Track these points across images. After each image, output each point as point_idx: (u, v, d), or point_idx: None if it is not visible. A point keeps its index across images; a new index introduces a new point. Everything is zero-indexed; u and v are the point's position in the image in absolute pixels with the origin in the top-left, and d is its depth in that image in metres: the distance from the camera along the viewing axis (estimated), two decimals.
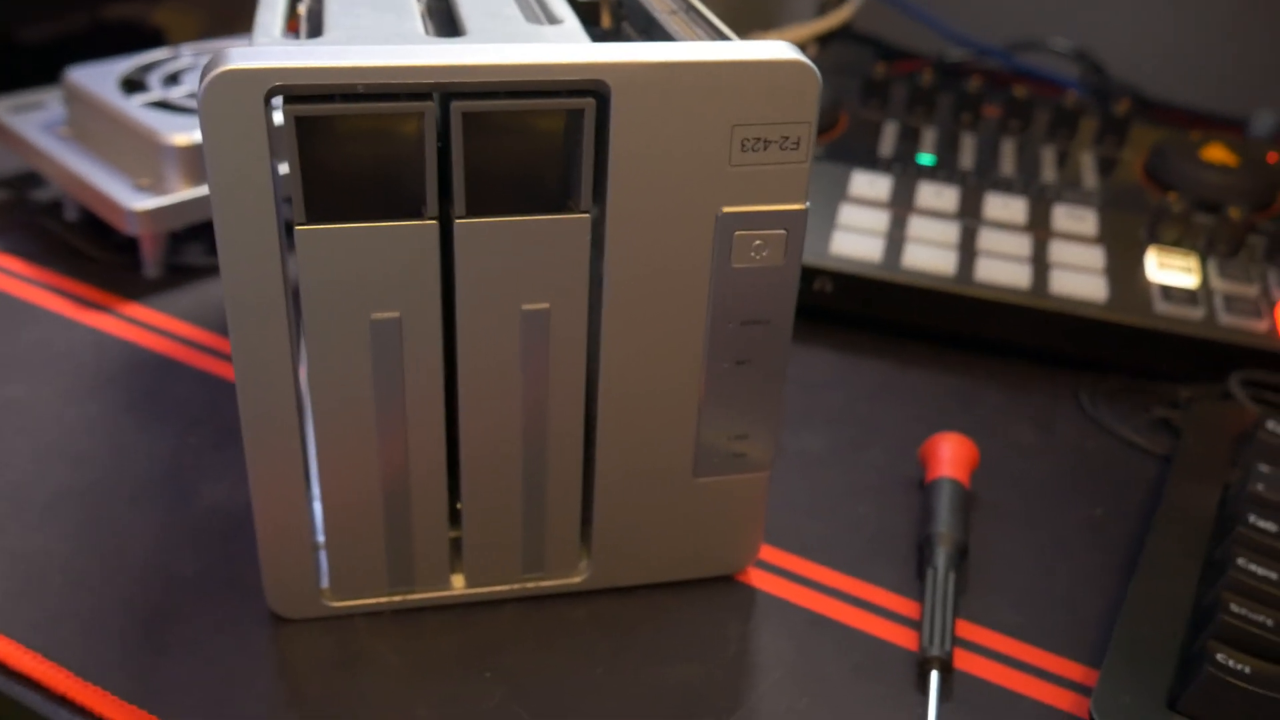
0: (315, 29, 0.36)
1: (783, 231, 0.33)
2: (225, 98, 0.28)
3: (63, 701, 0.34)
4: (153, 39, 0.97)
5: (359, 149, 0.31)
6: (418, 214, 0.31)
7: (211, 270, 0.55)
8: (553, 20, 0.36)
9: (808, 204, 0.33)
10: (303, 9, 0.39)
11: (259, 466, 0.33)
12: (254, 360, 0.32)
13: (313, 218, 0.30)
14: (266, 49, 0.29)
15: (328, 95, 0.29)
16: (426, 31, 0.34)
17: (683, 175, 0.32)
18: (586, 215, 0.32)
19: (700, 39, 0.34)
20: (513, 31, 0.34)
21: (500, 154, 0.31)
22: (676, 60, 0.30)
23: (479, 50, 0.30)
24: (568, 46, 0.30)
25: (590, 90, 0.31)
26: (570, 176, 0.32)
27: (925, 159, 0.60)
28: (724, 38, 0.34)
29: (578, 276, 0.33)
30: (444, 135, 0.31)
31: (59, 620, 0.36)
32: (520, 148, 0.32)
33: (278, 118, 0.31)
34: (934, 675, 0.36)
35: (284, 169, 0.38)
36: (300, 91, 0.29)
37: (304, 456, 0.34)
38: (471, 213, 0.31)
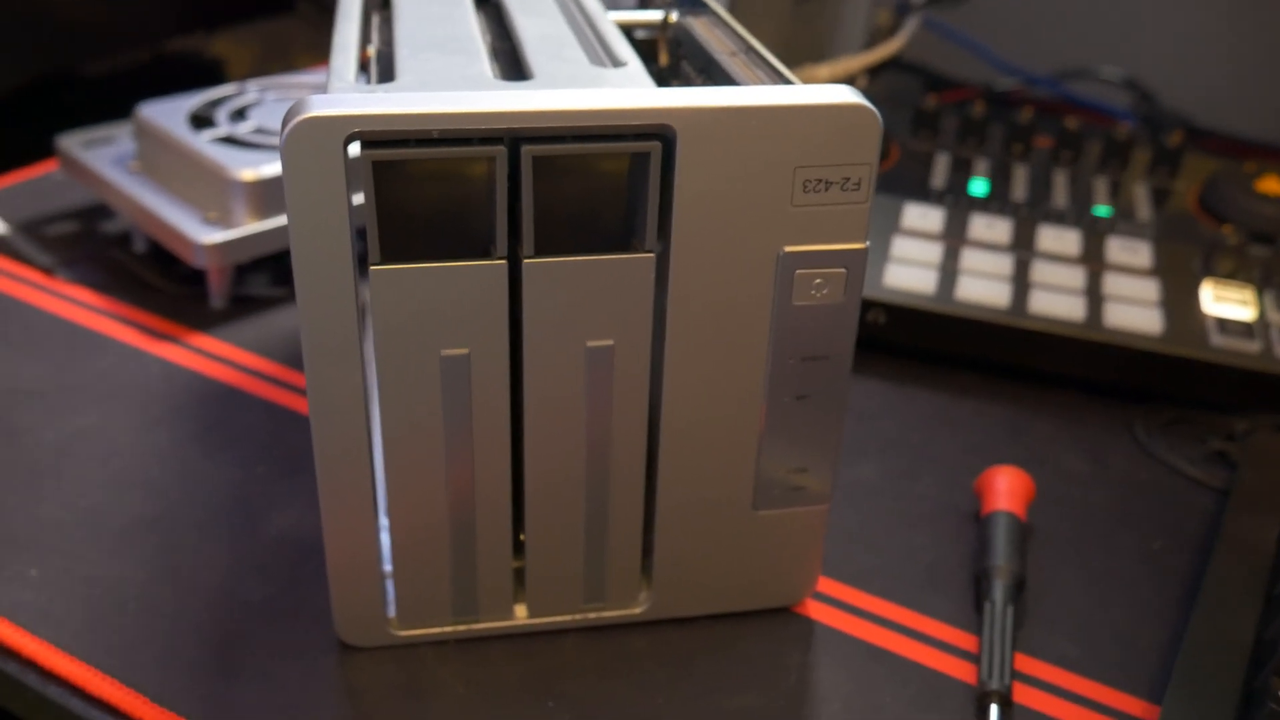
0: (387, 71, 0.37)
1: (843, 270, 0.34)
2: (307, 143, 0.29)
3: None
4: (212, 70, 0.99)
5: (431, 191, 0.32)
6: (487, 254, 0.32)
7: (275, 301, 0.57)
8: (616, 62, 0.36)
9: (868, 243, 0.34)
10: (372, 50, 0.40)
11: (330, 497, 0.34)
12: (327, 394, 0.33)
13: (387, 257, 0.31)
14: (345, 96, 0.30)
15: (403, 140, 0.30)
16: (495, 74, 0.35)
17: (745, 216, 0.33)
18: (651, 255, 0.33)
19: (762, 81, 0.35)
20: (578, 74, 0.35)
21: (567, 195, 0.32)
22: (740, 105, 0.31)
23: (548, 96, 0.31)
24: (634, 91, 0.31)
25: (656, 134, 0.31)
26: (635, 217, 0.33)
27: (977, 189, 0.60)
28: (785, 80, 0.34)
29: (642, 314, 0.34)
30: (513, 177, 0.32)
31: (135, 646, 0.37)
32: (587, 189, 0.32)
33: (353, 149, 0.32)
34: (994, 709, 0.36)
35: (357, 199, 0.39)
36: (377, 137, 0.30)
37: (374, 488, 0.35)
38: (540, 253, 0.32)
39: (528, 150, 0.31)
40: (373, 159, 0.30)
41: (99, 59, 0.80)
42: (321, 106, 0.29)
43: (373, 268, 0.31)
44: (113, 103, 0.79)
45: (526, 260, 0.32)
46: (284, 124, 0.30)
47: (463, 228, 0.32)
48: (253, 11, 0.93)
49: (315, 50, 1.06)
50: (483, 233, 0.32)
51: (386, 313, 0.32)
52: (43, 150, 0.70)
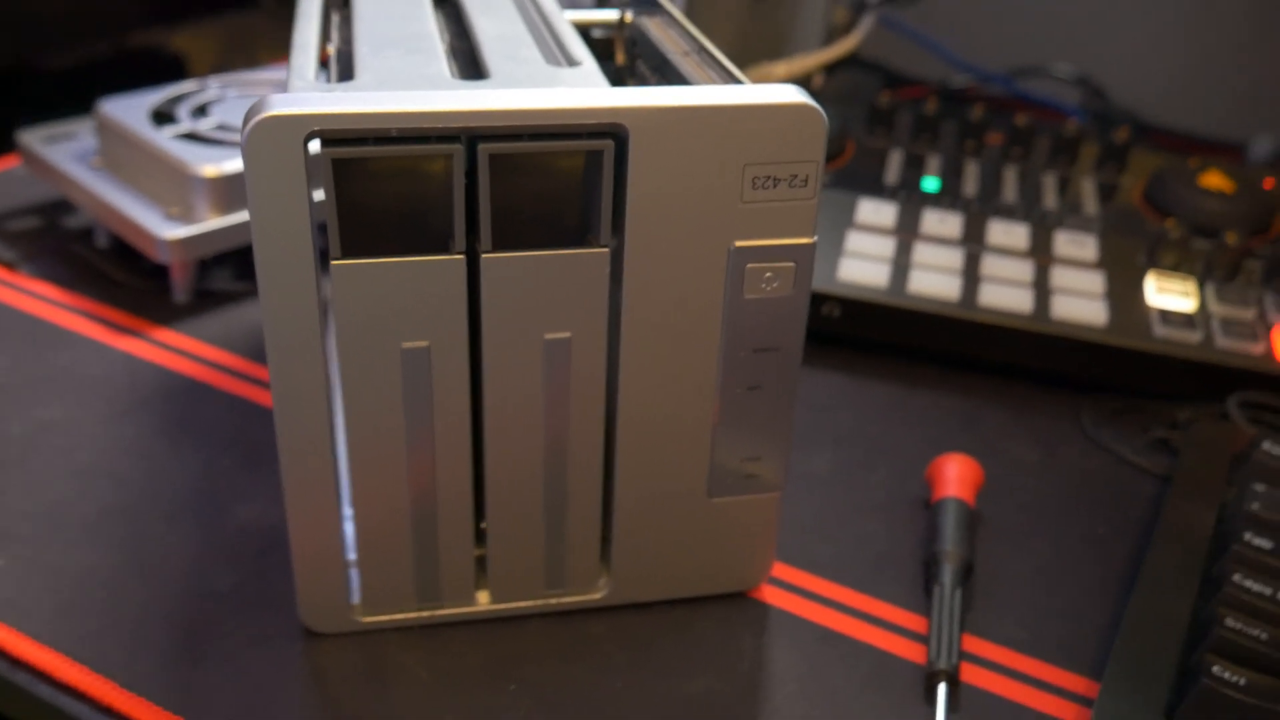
0: (346, 69, 0.38)
1: (792, 264, 0.35)
2: (268, 141, 0.30)
3: (109, 712, 0.35)
4: (173, 64, 0.99)
5: (390, 187, 0.32)
6: (445, 249, 0.33)
7: (238, 296, 0.57)
8: (571, 62, 0.37)
9: (815, 238, 0.35)
10: (332, 48, 0.41)
11: (295, 487, 0.35)
12: (291, 386, 0.33)
13: (348, 252, 0.32)
14: (306, 96, 0.31)
15: (362, 138, 0.31)
16: (452, 73, 0.36)
17: (697, 212, 0.34)
18: (606, 249, 0.34)
19: (713, 81, 0.36)
20: (533, 74, 0.36)
21: (524, 192, 0.33)
22: (691, 105, 0.32)
23: (504, 95, 0.32)
24: (588, 91, 0.32)
25: (609, 132, 0.32)
26: (590, 212, 0.34)
27: (930, 185, 0.62)
28: (735, 80, 0.35)
29: (597, 307, 0.35)
30: (470, 174, 0.33)
31: (103, 634, 0.38)
32: (542, 186, 0.33)
33: (313, 146, 0.32)
34: (942, 688, 0.38)
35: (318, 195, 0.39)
36: (337, 135, 0.31)
37: (337, 478, 0.36)
38: (497, 247, 0.33)
39: (484, 148, 0.32)
40: (332, 156, 0.31)
41: (61, 51, 0.80)
42: (282, 105, 0.30)
43: (334, 263, 0.32)
44: (71, 96, 0.79)
45: (484, 255, 0.33)
46: (245, 122, 0.30)
47: (422, 223, 0.33)
48: (218, 6, 0.93)
49: (278, 45, 1.06)
50: (441, 228, 0.33)
51: (348, 307, 0.33)
52: (0, 144, 0.70)
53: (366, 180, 0.32)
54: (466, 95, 0.32)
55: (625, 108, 0.32)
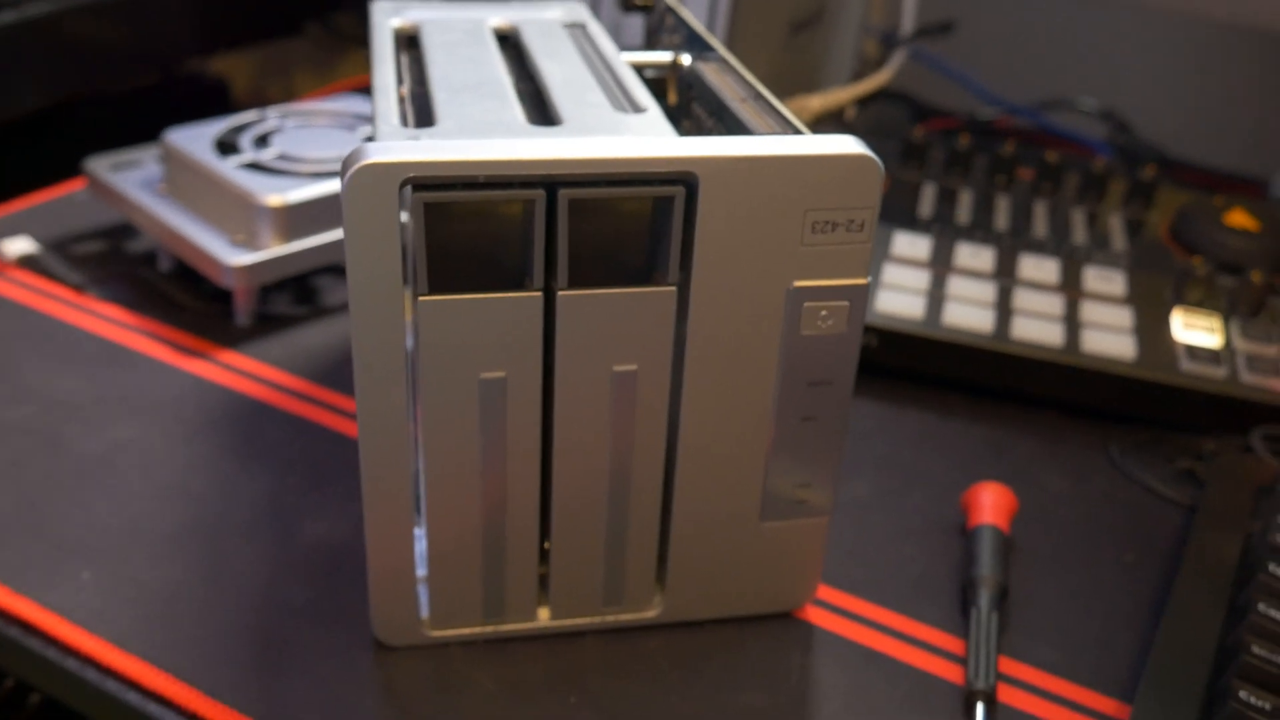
0: (424, 115, 0.40)
1: (846, 303, 0.37)
2: (366, 188, 0.32)
3: (194, 718, 0.37)
4: (215, 91, 1.02)
5: (474, 228, 0.35)
6: (523, 286, 0.35)
7: (296, 320, 0.59)
8: (636, 108, 0.40)
9: (869, 278, 0.37)
10: (404, 90, 0.43)
11: (374, 506, 0.37)
12: (375, 411, 0.36)
13: (434, 289, 0.34)
14: (400, 145, 0.33)
15: (450, 183, 0.33)
16: (527, 119, 0.38)
17: (759, 253, 0.36)
18: (673, 288, 0.36)
19: (772, 129, 0.38)
20: (603, 119, 0.38)
21: (597, 233, 0.35)
22: (758, 155, 0.34)
23: (583, 144, 0.34)
24: (662, 140, 0.34)
25: (680, 179, 0.35)
26: (658, 253, 0.36)
27: (962, 219, 0.64)
28: (795, 129, 0.38)
29: (663, 342, 0.37)
30: (548, 216, 0.35)
31: (185, 644, 0.40)
32: (615, 228, 0.36)
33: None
34: (980, 707, 0.40)
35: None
36: (428, 181, 0.33)
37: (413, 498, 0.38)
38: (572, 285, 0.35)
39: (564, 194, 0.34)
40: (425, 200, 0.33)
41: (120, 81, 0.82)
42: (379, 154, 0.32)
43: (420, 298, 0.34)
44: (120, 123, 0.81)
45: (560, 292, 0.35)
46: (344, 169, 0.32)
47: (501, 262, 0.35)
48: (264, 34, 0.95)
49: (314, 71, 1.09)
50: (519, 266, 0.35)
51: (432, 339, 0.35)
52: (58, 170, 0.73)
53: (452, 222, 0.34)
54: (548, 144, 0.34)
55: (697, 157, 0.34)
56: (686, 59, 0.47)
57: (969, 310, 0.57)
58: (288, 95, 1.00)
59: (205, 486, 0.47)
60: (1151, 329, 0.57)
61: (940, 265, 0.60)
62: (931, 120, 0.85)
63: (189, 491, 0.47)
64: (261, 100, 0.95)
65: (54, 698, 0.41)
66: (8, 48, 0.73)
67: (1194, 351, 0.55)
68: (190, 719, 0.38)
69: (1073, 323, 0.57)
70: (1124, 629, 0.44)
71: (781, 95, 0.77)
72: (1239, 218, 0.63)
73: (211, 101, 1.00)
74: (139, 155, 0.65)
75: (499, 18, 0.49)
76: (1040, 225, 0.64)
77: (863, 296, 0.37)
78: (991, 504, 0.47)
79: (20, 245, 0.63)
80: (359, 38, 1.01)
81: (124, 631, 0.40)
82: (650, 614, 0.42)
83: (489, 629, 0.41)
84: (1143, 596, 0.46)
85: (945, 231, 0.63)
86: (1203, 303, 0.58)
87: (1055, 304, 0.58)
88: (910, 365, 0.57)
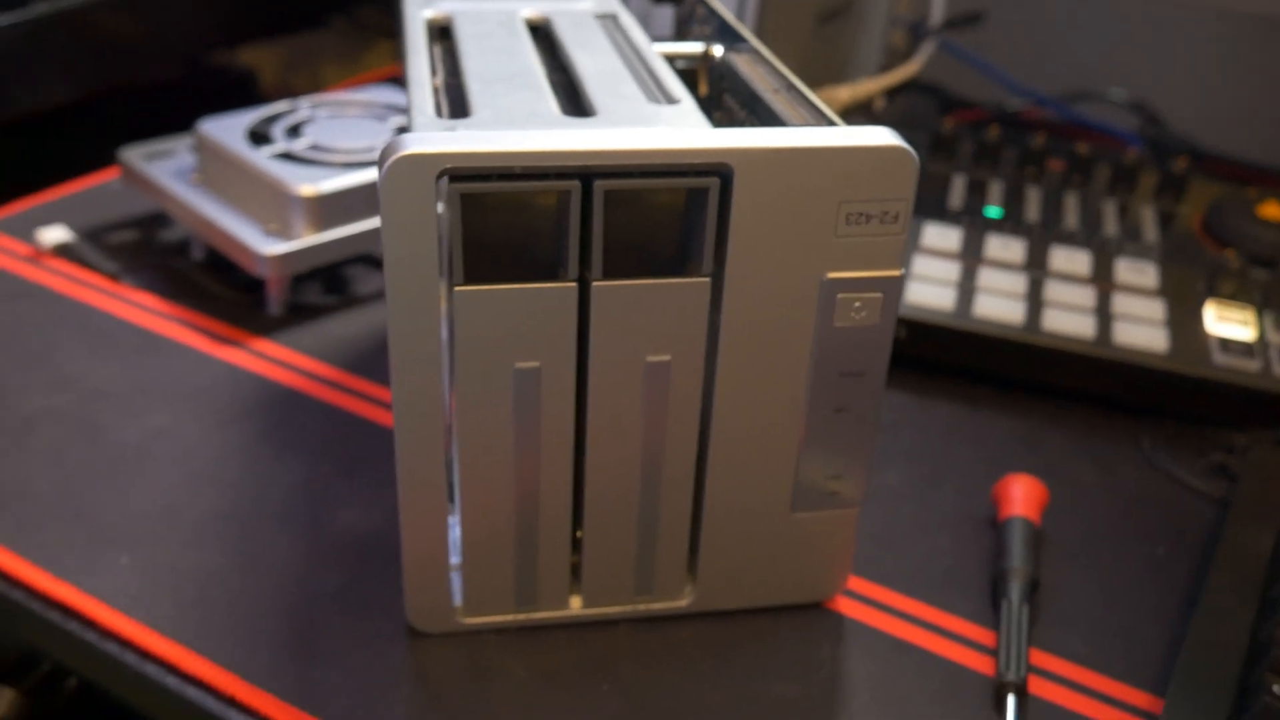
0: (459, 105, 0.40)
1: (880, 295, 0.37)
2: (404, 178, 0.33)
3: (233, 703, 0.38)
4: (242, 82, 1.03)
5: (510, 219, 0.35)
6: (558, 276, 0.35)
7: (327, 309, 0.60)
8: (670, 99, 0.40)
9: (903, 270, 0.37)
10: (438, 81, 0.43)
11: (409, 494, 0.38)
12: (411, 400, 0.36)
13: (470, 279, 0.35)
14: (437, 136, 0.33)
15: (486, 174, 0.34)
16: (561, 110, 0.38)
17: (793, 245, 0.36)
18: (706, 279, 0.36)
19: (806, 120, 0.38)
20: (637, 111, 0.38)
21: (632, 224, 0.36)
22: (792, 146, 0.34)
23: (619, 135, 0.34)
24: (697, 132, 0.35)
25: (715, 170, 0.35)
26: (692, 244, 0.36)
27: (993, 212, 0.64)
28: (828, 120, 0.38)
29: (697, 332, 0.37)
30: (583, 207, 0.35)
31: (222, 630, 0.41)
32: (649, 219, 0.36)
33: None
34: (1011, 699, 0.40)
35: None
36: (464, 172, 0.33)
37: (447, 487, 0.38)
38: (607, 276, 0.35)
39: (600, 185, 0.34)
40: (461, 191, 0.33)
41: (150, 73, 0.83)
42: (417, 145, 0.33)
43: (457, 289, 0.35)
44: (151, 114, 0.82)
45: (595, 283, 0.35)
46: (382, 160, 0.33)
47: (537, 252, 0.35)
48: (291, 26, 0.96)
49: (340, 63, 1.10)
50: (554, 257, 0.35)
51: (467, 329, 0.35)
52: (91, 160, 0.74)
53: (488, 213, 0.34)
54: (584, 135, 0.34)
55: (731, 149, 0.34)
56: (718, 50, 0.47)
57: (999, 302, 0.57)
58: (314, 87, 1.00)
59: (239, 474, 0.48)
60: (1184, 322, 0.56)
61: (970, 257, 0.60)
62: (960, 111, 0.85)
63: (224, 479, 0.48)
64: (288, 92, 0.96)
65: (91, 681, 0.42)
66: (38, 41, 0.74)
67: (1227, 344, 0.55)
68: (228, 703, 0.38)
69: (1104, 315, 0.56)
70: (1155, 622, 0.44)
71: (809, 86, 0.76)
72: (1272, 210, 0.63)
73: (239, 93, 1.01)
74: (172, 145, 0.65)
75: (530, 9, 0.49)
76: (1071, 217, 0.64)
77: (897, 288, 0.37)
78: (1023, 496, 0.47)
79: (56, 234, 0.63)
80: (384, 29, 1.02)
81: (162, 616, 0.41)
82: (682, 603, 0.42)
83: (521, 617, 0.41)
84: (1174, 590, 0.46)
85: (975, 223, 0.63)
86: (1235, 296, 0.58)
87: (1087, 296, 0.58)
88: (940, 357, 0.57)
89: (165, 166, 0.63)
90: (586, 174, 0.34)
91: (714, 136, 0.34)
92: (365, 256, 0.64)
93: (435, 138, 0.33)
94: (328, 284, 0.62)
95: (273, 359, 0.55)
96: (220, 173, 0.60)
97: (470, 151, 0.33)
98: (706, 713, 0.39)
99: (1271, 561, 0.45)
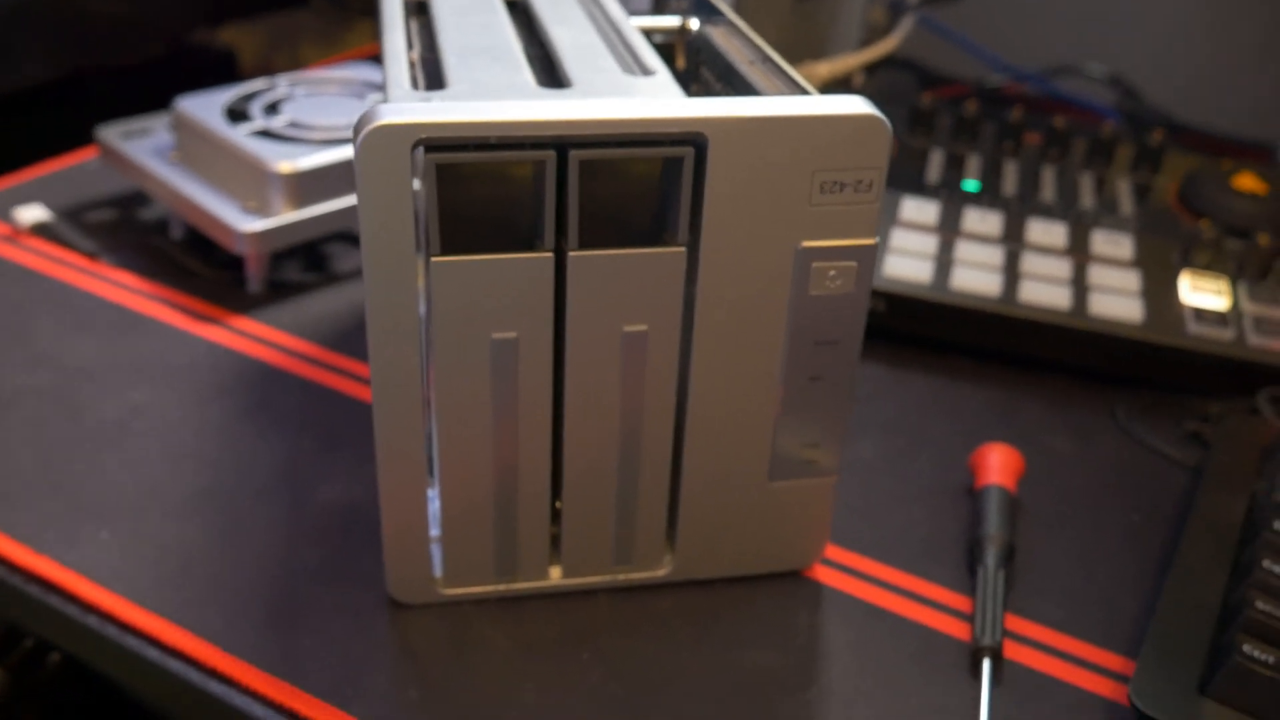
0: (435, 78, 0.40)
1: (854, 263, 0.37)
2: (379, 149, 0.33)
3: (215, 674, 0.38)
4: (222, 61, 1.02)
5: (485, 190, 0.35)
6: (534, 247, 0.36)
7: (307, 286, 0.60)
8: (646, 71, 0.40)
9: (877, 239, 0.37)
10: (415, 55, 0.43)
11: (388, 467, 0.38)
12: (389, 372, 0.36)
13: (446, 250, 0.35)
14: (412, 106, 0.33)
15: (462, 144, 0.34)
16: (537, 82, 0.38)
17: (768, 214, 0.36)
18: (682, 249, 0.36)
19: (781, 90, 0.38)
20: (614, 83, 0.38)
21: (607, 194, 0.36)
22: (766, 115, 0.34)
23: (595, 105, 0.34)
24: (672, 101, 0.35)
25: (690, 140, 0.35)
26: (668, 214, 0.36)
27: (970, 185, 0.64)
28: (802, 90, 0.38)
29: (673, 302, 0.37)
30: (559, 177, 0.35)
31: (203, 603, 0.41)
32: (625, 189, 0.36)
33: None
34: (986, 663, 0.40)
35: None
36: (440, 142, 0.33)
37: (426, 458, 0.38)
38: (583, 246, 0.36)
39: (575, 154, 0.34)
40: (436, 161, 0.33)
41: (131, 52, 0.83)
42: (392, 115, 0.33)
43: (433, 259, 0.35)
44: (130, 92, 0.82)
45: (571, 253, 0.36)
46: (356, 130, 0.33)
47: (513, 223, 0.35)
48: (271, 5, 0.96)
49: (320, 42, 1.09)
50: (531, 227, 0.36)
51: (444, 300, 0.35)
52: (69, 139, 0.73)
53: (464, 183, 0.34)
54: (559, 105, 0.34)
55: (706, 118, 0.34)
56: (694, 23, 0.47)
57: (977, 274, 0.57)
58: (294, 66, 1.00)
59: (220, 450, 0.48)
60: (1159, 292, 0.57)
61: (948, 230, 0.60)
62: (939, 87, 0.85)
63: (204, 454, 0.48)
64: (268, 71, 0.96)
65: (73, 656, 0.42)
66: (18, 19, 0.74)
67: (1201, 314, 0.55)
68: (210, 675, 0.38)
69: (1080, 286, 0.57)
70: (1129, 587, 0.45)
71: (789, 62, 0.76)
72: (1247, 182, 0.63)
73: (219, 72, 1.00)
74: (150, 123, 0.65)
75: None
76: (1048, 190, 0.64)
77: (870, 257, 0.37)
78: (999, 465, 0.48)
79: (34, 213, 0.63)
80: (364, 8, 1.01)
81: (143, 590, 0.41)
82: (661, 573, 0.42)
83: (502, 587, 0.41)
84: (1148, 556, 0.46)
85: (953, 197, 0.63)
86: (1210, 266, 0.58)
87: (1063, 268, 0.58)
88: (918, 329, 0.57)
89: (143, 145, 0.63)
90: (562, 144, 0.34)
91: (688, 106, 0.35)
92: (344, 233, 0.64)
93: (410, 108, 0.33)
94: (307, 261, 0.62)
95: (252, 336, 0.55)
96: (198, 151, 0.60)
97: (445, 121, 0.33)
98: (686, 680, 0.39)
99: (1243, 526, 0.45)
